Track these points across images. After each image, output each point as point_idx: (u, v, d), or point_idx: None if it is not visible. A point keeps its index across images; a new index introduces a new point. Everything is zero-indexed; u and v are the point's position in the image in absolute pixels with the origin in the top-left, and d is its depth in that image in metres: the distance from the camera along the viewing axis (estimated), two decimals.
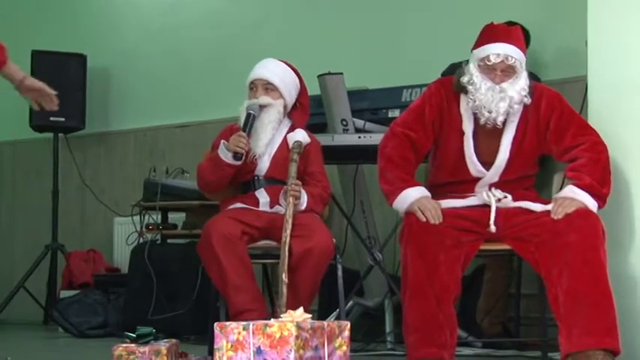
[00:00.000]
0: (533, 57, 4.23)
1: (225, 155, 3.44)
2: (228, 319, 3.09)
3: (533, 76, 3.85)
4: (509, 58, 3.23)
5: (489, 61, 3.24)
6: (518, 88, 3.24)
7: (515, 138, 3.31)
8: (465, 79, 3.28)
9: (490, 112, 3.24)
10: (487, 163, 3.33)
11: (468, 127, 3.32)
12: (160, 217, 5.12)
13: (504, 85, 3.24)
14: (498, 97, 3.23)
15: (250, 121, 3.47)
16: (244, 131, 3.45)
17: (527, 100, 3.27)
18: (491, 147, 3.32)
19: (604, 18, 3.44)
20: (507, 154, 3.31)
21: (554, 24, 4.55)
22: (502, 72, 3.25)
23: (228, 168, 3.47)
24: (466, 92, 3.28)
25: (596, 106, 3.47)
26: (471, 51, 3.31)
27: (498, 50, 3.23)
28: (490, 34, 3.29)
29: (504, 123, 3.29)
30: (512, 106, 3.24)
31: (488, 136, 3.32)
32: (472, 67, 3.28)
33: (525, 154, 3.34)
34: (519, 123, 3.32)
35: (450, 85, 3.35)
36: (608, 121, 3.41)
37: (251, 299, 3.27)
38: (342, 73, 4.18)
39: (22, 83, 3.23)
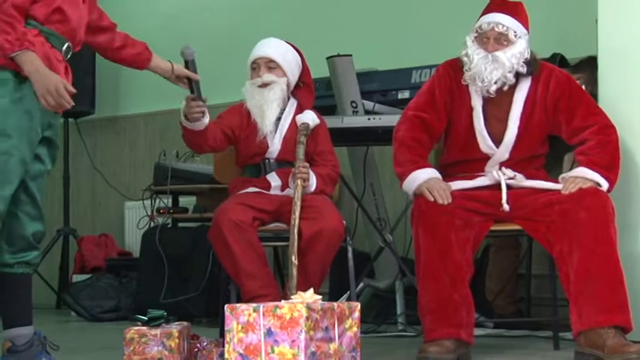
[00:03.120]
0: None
1: (188, 124, 3.36)
2: (239, 302, 3.11)
3: (562, 62, 3.88)
4: (500, 26, 3.26)
5: (481, 29, 3.29)
6: (509, 55, 3.24)
7: (523, 113, 3.32)
8: (462, 52, 3.31)
9: (482, 81, 3.26)
10: (497, 140, 3.33)
11: (477, 102, 3.33)
12: (170, 200, 5.14)
13: (497, 53, 3.24)
14: (491, 67, 3.24)
15: (191, 67, 3.33)
16: (193, 93, 3.32)
17: (523, 71, 3.27)
18: (500, 123, 3.32)
19: None
20: (516, 129, 3.31)
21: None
22: (495, 40, 3.27)
23: (196, 133, 3.38)
24: None
25: (607, 85, 3.46)
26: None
27: (489, 19, 3.28)
28: (488, 8, 3.33)
29: (511, 100, 3.29)
30: (506, 74, 3.25)
31: (496, 111, 3.32)
32: (468, 40, 3.32)
33: (533, 131, 3.34)
34: (527, 99, 3.32)
35: (458, 65, 3.36)
36: (619, 101, 3.40)
37: (263, 285, 3.28)
38: (351, 55, 4.17)
39: (172, 74, 3.32)
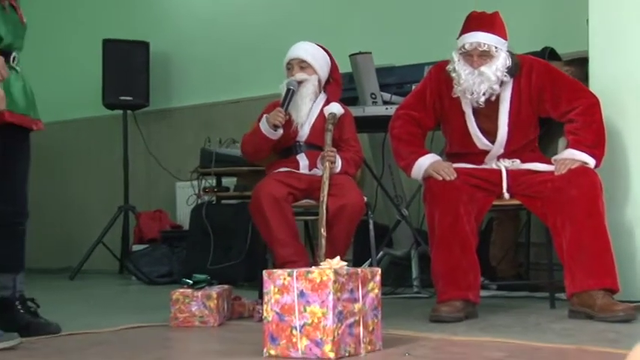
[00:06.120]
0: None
1: (265, 128, 3.45)
2: (275, 268, 3.12)
3: (552, 55, 3.83)
4: (482, 45, 3.18)
5: (465, 49, 3.21)
6: (494, 69, 3.17)
7: (511, 111, 3.26)
8: (450, 68, 3.25)
9: (472, 93, 3.21)
10: (491, 136, 3.29)
11: (467, 107, 3.28)
12: (215, 181, 5.16)
13: (482, 68, 3.18)
14: (478, 80, 3.18)
15: (289, 96, 3.47)
16: (282, 106, 3.45)
17: (507, 79, 3.21)
18: (492, 123, 3.28)
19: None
20: (506, 127, 3.26)
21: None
22: (479, 57, 3.19)
23: (266, 140, 3.47)
24: None
25: (597, 72, 3.41)
26: (457, 40, 3.27)
27: (471, 39, 3.19)
28: (468, 24, 3.24)
29: (498, 101, 3.24)
30: (492, 86, 3.20)
31: (486, 112, 3.27)
32: (454, 56, 3.24)
33: (523, 123, 3.30)
34: (513, 96, 3.26)
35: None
36: (608, 87, 3.36)
37: (294, 252, 3.29)
38: (371, 53, 4.15)
39: None
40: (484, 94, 3.20)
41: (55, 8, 6.60)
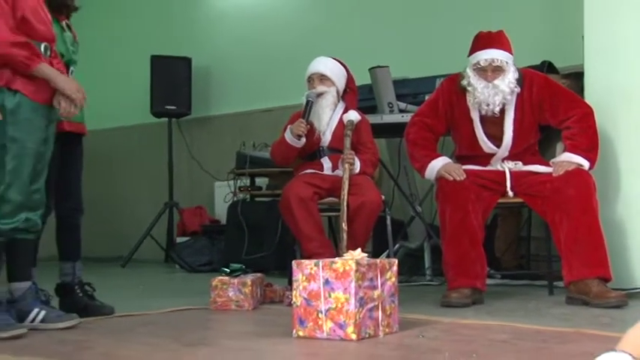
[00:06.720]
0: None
1: (289, 137, 3.46)
2: (302, 259, 3.12)
3: (550, 68, 3.80)
4: (496, 60, 3.17)
5: (480, 65, 3.19)
6: (507, 82, 3.18)
7: (515, 120, 3.25)
8: (464, 82, 3.23)
9: (488, 105, 3.20)
10: (496, 140, 3.28)
11: (475, 115, 3.27)
12: (249, 181, 5.18)
13: (496, 82, 3.17)
14: (493, 92, 3.18)
15: (308, 107, 3.47)
16: (303, 117, 3.45)
17: (517, 89, 3.20)
18: (497, 129, 3.27)
19: (599, 12, 3.35)
20: (511, 133, 3.26)
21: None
22: (492, 72, 3.18)
23: (291, 148, 3.48)
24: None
25: (592, 84, 3.39)
26: (468, 57, 3.26)
27: (486, 56, 3.18)
28: (478, 43, 3.23)
29: (503, 110, 3.23)
30: (506, 97, 3.19)
31: (492, 120, 3.26)
32: (469, 71, 3.23)
33: (526, 130, 3.29)
34: (516, 107, 3.25)
35: (458, 80, 3.30)
36: (602, 99, 3.33)
37: (319, 245, 3.29)
38: (388, 66, 4.15)
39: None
40: (499, 104, 3.19)
41: (109, 30, 6.67)
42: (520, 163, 3.27)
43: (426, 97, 3.81)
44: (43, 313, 2.62)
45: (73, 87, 2.60)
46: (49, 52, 2.63)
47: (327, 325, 2.32)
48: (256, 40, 5.94)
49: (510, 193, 3.20)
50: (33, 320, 2.61)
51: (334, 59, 3.61)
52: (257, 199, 5.17)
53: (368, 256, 2.41)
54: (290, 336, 2.37)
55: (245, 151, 5.14)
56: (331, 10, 5.55)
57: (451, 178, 3.16)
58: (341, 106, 3.59)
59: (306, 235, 3.28)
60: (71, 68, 2.93)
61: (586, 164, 3.13)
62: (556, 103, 3.26)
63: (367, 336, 2.33)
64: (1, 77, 2.51)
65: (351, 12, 5.43)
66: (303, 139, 3.46)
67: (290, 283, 2.87)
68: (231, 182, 5.21)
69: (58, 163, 2.88)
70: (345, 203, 3.21)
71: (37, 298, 2.67)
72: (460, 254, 3.10)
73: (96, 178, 5.99)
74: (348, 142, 3.40)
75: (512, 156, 3.29)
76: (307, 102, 3.48)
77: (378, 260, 2.43)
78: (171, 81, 6.00)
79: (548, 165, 3.23)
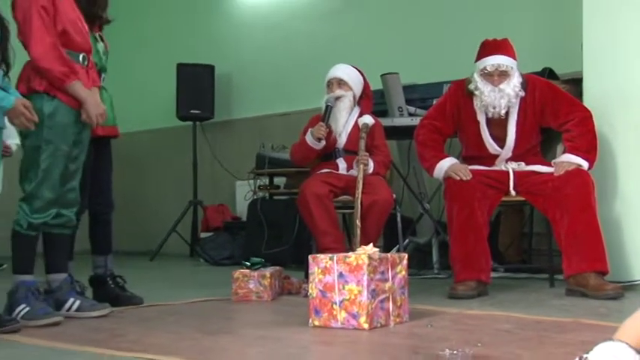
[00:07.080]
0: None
1: (310, 140, 3.46)
2: (318, 253, 3.13)
3: (551, 74, 3.78)
4: (502, 65, 3.16)
5: (487, 70, 3.18)
6: (512, 86, 3.17)
7: (518, 122, 3.25)
8: (472, 87, 3.22)
9: (494, 107, 3.19)
10: (500, 141, 3.27)
11: (481, 117, 3.27)
12: (268, 180, 5.18)
13: (502, 86, 3.17)
14: (499, 96, 3.17)
15: (328, 111, 3.48)
16: (323, 120, 3.45)
17: (522, 93, 3.19)
18: (502, 131, 3.26)
19: (597, 21, 3.32)
20: (514, 135, 3.25)
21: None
22: (498, 76, 3.17)
23: (311, 150, 3.48)
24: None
25: (590, 89, 3.36)
26: (475, 63, 3.25)
27: (492, 61, 3.17)
28: (485, 50, 3.23)
29: (507, 113, 3.22)
30: (511, 100, 3.18)
31: (497, 122, 3.26)
32: (476, 76, 3.22)
33: (528, 132, 3.28)
34: (520, 110, 3.24)
35: (465, 85, 3.29)
36: (599, 103, 3.31)
37: (334, 240, 3.29)
38: (398, 73, 4.14)
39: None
40: (504, 107, 3.18)
41: (139, 40, 6.70)
42: (523, 163, 3.26)
43: (433, 102, 3.80)
44: (78, 302, 2.65)
45: (93, 112, 2.60)
46: (86, 62, 2.67)
47: (341, 315, 2.32)
48: (275, 49, 5.95)
49: (513, 192, 3.19)
50: (69, 309, 2.64)
51: (352, 67, 3.62)
52: (275, 197, 5.17)
53: (379, 251, 2.41)
54: (306, 325, 2.39)
55: (264, 152, 5.15)
56: (346, 21, 5.54)
57: (458, 178, 3.16)
58: (357, 110, 3.59)
59: (322, 230, 3.28)
60: (103, 75, 2.95)
61: (585, 164, 3.12)
62: (557, 107, 3.24)
63: (379, 325, 2.33)
64: (41, 83, 2.54)
65: (365, 23, 5.43)
66: (323, 142, 3.47)
67: (306, 275, 2.87)
68: (251, 181, 5.21)
69: (91, 164, 2.91)
70: (359, 201, 3.21)
71: (72, 288, 2.71)
72: (466, 249, 3.09)
73: (126, 178, 6.03)
74: (362, 145, 3.41)
75: (515, 157, 3.28)
76: (327, 107, 3.49)
77: (389, 255, 2.43)
78: (196, 87, 6.02)
79: (549, 165, 3.21)
